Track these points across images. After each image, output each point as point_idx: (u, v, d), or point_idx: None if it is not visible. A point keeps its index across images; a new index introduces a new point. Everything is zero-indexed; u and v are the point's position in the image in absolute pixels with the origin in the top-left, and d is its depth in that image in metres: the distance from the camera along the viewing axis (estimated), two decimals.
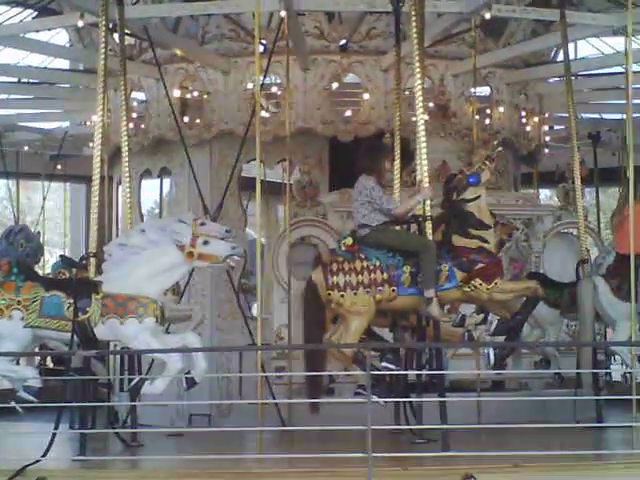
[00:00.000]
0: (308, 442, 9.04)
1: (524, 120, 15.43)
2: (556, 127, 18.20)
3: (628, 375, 12.44)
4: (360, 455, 7.30)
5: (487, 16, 12.43)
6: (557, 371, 12.41)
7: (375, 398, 8.44)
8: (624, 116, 13.49)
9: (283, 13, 11.62)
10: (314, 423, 8.77)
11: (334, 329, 9.41)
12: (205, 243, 8.79)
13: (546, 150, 17.13)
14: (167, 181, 15.06)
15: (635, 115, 17.64)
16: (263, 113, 13.18)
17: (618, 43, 16.61)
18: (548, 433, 8.70)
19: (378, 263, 9.30)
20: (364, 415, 7.41)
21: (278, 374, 11.60)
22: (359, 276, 9.24)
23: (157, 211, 17.46)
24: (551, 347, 12.34)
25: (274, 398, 10.53)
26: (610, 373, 13.93)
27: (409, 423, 9.71)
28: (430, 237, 9.45)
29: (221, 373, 12.54)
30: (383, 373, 9.24)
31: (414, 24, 9.93)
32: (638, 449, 8.74)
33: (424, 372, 9.61)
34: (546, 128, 17.02)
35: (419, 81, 9.75)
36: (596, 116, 19.23)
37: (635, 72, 14.89)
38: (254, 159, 10.51)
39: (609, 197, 29.85)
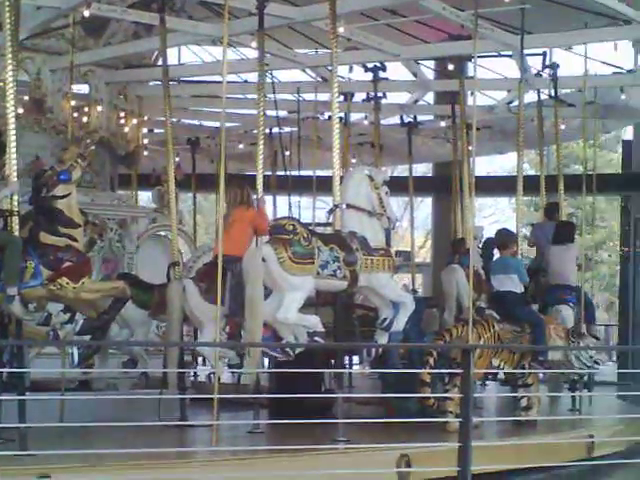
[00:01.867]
0: None
1: (123, 121, 15.44)
2: (157, 130, 18.36)
3: (212, 375, 12.71)
4: None
5: (86, 14, 12.39)
6: (144, 370, 12.48)
7: None
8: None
9: None
10: None
11: None
12: None
13: (145, 152, 17.22)
14: None
15: (229, 124, 18.28)
16: None
17: (219, 52, 17.10)
18: (133, 432, 8.70)
19: None
20: None
21: None
22: None
23: None
24: (138, 347, 12.39)
25: None
26: (196, 374, 14.19)
27: None
28: (16, 233, 9.19)
29: None
30: None
31: (8, 15, 9.69)
32: (217, 447, 8.95)
33: (4, 370, 9.29)
34: (145, 131, 17.14)
35: (11, 73, 9.49)
36: (196, 122, 19.62)
37: (230, 82, 15.40)
38: None
39: (210, 202, 30.64)
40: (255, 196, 11.15)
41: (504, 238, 11.98)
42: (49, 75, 14.21)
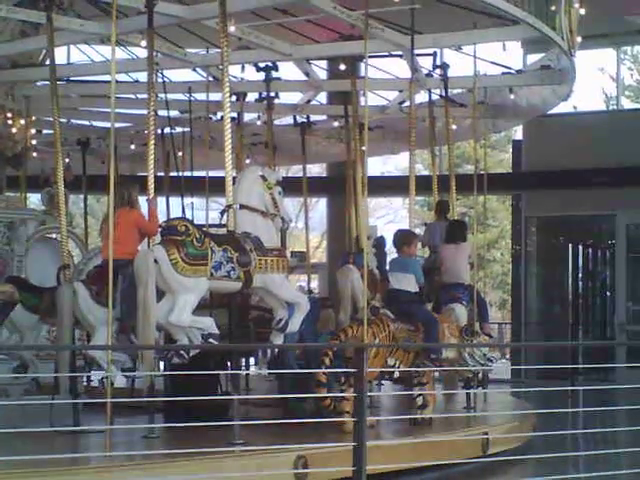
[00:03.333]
0: None
1: (10, 122, 15.11)
2: (46, 131, 18.00)
3: (105, 380, 12.52)
4: None
5: None
6: (34, 375, 12.23)
7: None
8: None
9: None
10: None
11: None
12: None
13: (34, 154, 16.89)
14: None
15: (120, 125, 18.05)
16: None
17: (109, 51, 16.83)
18: (24, 439, 8.52)
19: None
20: None
21: None
22: None
23: None
24: (29, 352, 12.13)
25: None
26: (89, 378, 13.95)
27: None
28: None
29: None
30: None
31: None
32: (111, 452, 8.79)
33: None
34: (34, 131, 16.79)
35: None
36: (86, 123, 19.31)
37: (120, 82, 15.20)
38: None
39: (102, 204, 30.33)
40: (147, 197, 11.02)
41: (402, 238, 11.98)
42: None
